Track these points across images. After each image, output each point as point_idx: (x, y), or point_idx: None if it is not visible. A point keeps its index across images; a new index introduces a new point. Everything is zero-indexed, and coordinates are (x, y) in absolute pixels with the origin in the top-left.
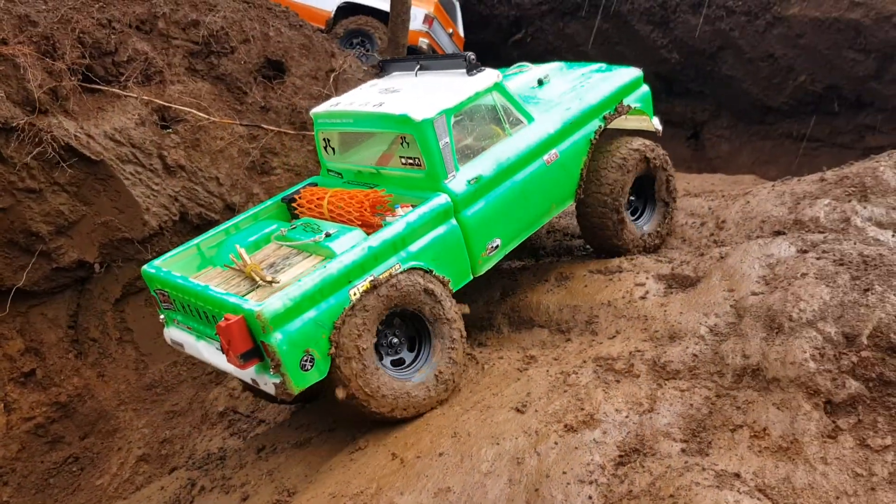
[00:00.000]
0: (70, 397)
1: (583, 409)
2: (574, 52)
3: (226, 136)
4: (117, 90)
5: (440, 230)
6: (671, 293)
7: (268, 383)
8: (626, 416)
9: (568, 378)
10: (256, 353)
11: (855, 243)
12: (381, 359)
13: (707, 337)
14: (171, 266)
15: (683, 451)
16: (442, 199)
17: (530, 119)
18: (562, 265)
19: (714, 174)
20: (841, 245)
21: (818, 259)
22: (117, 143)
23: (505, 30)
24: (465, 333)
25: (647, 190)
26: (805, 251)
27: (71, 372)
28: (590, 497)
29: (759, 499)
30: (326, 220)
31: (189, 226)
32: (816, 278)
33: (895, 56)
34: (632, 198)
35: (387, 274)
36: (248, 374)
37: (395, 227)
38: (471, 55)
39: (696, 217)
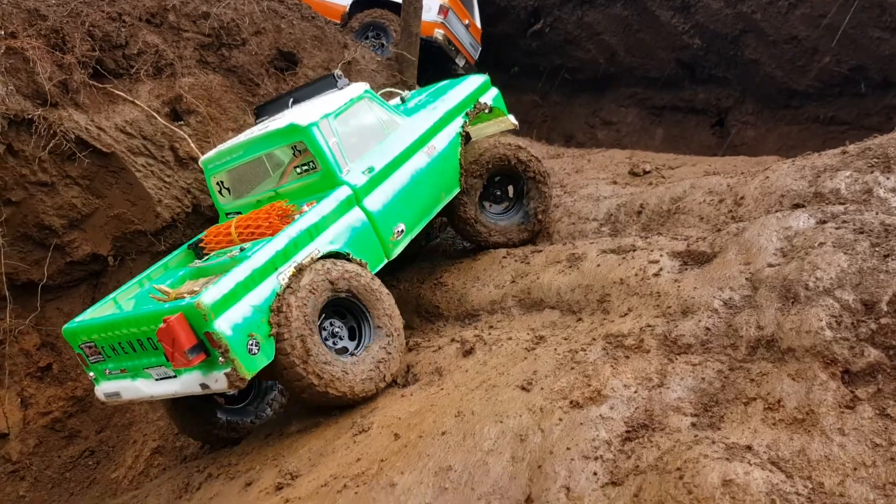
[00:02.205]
0: (86, 391)
1: (590, 386)
2: (594, 41)
3: (237, 128)
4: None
5: (348, 218)
6: (686, 269)
7: (218, 379)
8: (635, 392)
9: (576, 356)
10: (201, 347)
11: (877, 213)
12: (325, 342)
13: (721, 310)
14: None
15: (694, 425)
16: (343, 189)
17: (405, 119)
18: (575, 248)
19: (737, 157)
20: (862, 215)
21: (837, 229)
22: (129, 135)
23: (523, 20)
24: (397, 312)
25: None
26: (824, 222)
27: None
28: (594, 473)
29: (771, 471)
30: (237, 244)
31: (202, 217)
32: (834, 247)
33: None
34: (497, 191)
35: (309, 259)
36: (196, 379)
37: (307, 216)
38: (337, 72)
39: (714, 194)
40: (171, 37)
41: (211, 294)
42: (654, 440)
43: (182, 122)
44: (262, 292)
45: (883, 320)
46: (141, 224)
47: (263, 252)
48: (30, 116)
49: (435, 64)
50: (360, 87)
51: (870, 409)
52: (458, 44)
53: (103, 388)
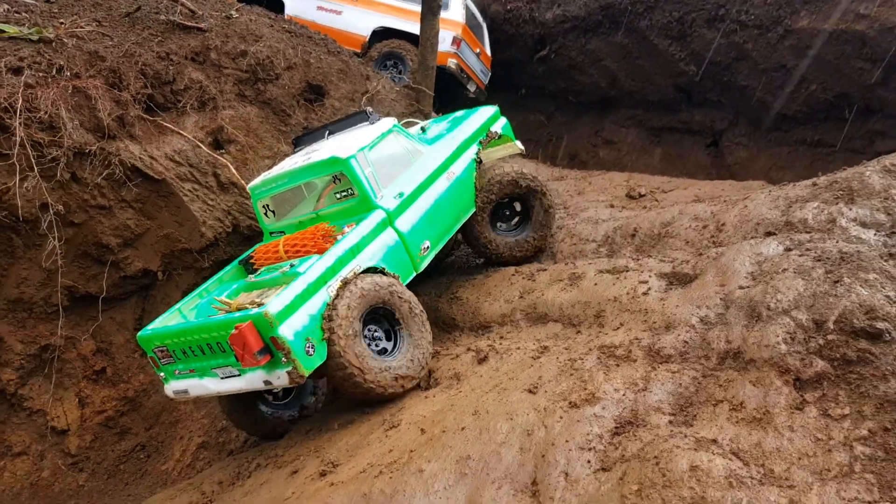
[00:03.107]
0: (136, 392)
1: (586, 389)
2: (596, 67)
3: (272, 155)
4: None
5: (383, 238)
6: (671, 289)
7: (280, 376)
8: (623, 395)
9: (575, 364)
10: (267, 350)
11: (837, 241)
12: (369, 346)
13: (697, 326)
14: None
15: (671, 422)
16: (379, 213)
17: (427, 148)
18: (576, 267)
19: (725, 181)
20: (824, 243)
21: (800, 256)
22: (177, 163)
23: (530, 47)
24: (426, 320)
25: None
26: (790, 249)
27: (137, 370)
28: (588, 461)
29: (730, 459)
30: (285, 261)
31: (240, 237)
32: (795, 273)
33: None
34: (506, 211)
35: (352, 274)
36: (260, 376)
37: (350, 237)
38: (369, 109)
39: (698, 220)
40: (213, 73)
41: (275, 305)
42: (638, 434)
43: (223, 151)
44: (315, 303)
45: (829, 336)
46: (187, 243)
47: (316, 268)
48: (91, 149)
49: (448, 88)
50: (389, 122)
51: (815, 410)
52: (470, 71)
53: (172, 387)
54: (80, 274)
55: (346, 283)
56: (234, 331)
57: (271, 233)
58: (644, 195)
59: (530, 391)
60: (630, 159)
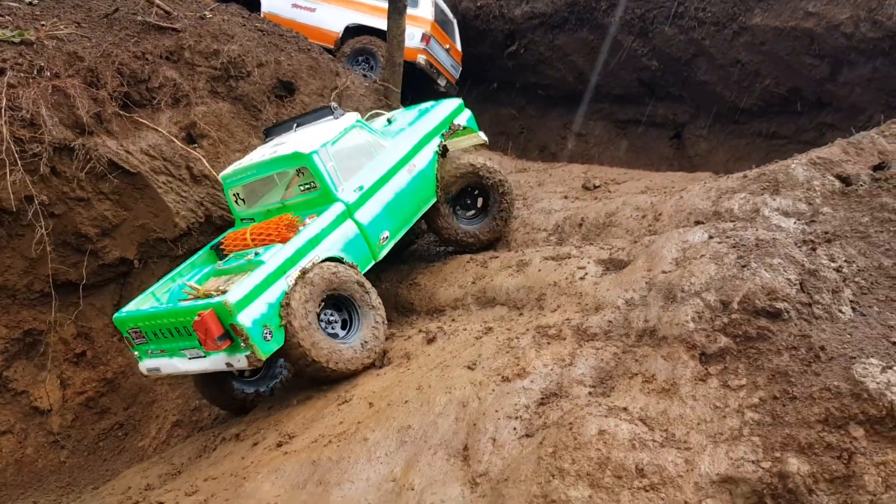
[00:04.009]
0: (115, 374)
1: (518, 365)
2: (563, 62)
3: (243, 149)
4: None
5: (342, 229)
6: (606, 274)
7: (240, 359)
8: (551, 370)
9: (511, 343)
10: (227, 335)
11: (757, 229)
12: (325, 331)
13: (622, 307)
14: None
15: (590, 393)
16: (338, 206)
17: (389, 142)
18: (524, 255)
19: (676, 173)
20: (745, 231)
21: (719, 243)
22: (152, 157)
23: (500, 43)
24: (381, 304)
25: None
26: (713, 237)
27: (115, 353)
28: (514, 428)
29: (636, 425)
30: (251, 248)
31: (213, 226)
32: (710, 258)
33: (845, 61)
34: (468, 201)
35: (311, 264)
36: (222, 359)
37: (310, 229)
38: (333, 104)
39: (640, 210)
40: (186, 71)
41: (235, 294)
42: (560, 405)
43: (196, 145)
44: (274, 292)
45: (734, 315)
46: (162, 232)
47: (275, 259)
48: (71, 144)
49: (419, 83)
50: (352, 118)
51: (716, 382)
52: (440, 66)
53: (146, 364)
54: (60, 262)
55: (304, 273)
56: (197, 317)
57: (242, 219)
58: (598, 186)
59: (469, 367)
60: (598, 151)
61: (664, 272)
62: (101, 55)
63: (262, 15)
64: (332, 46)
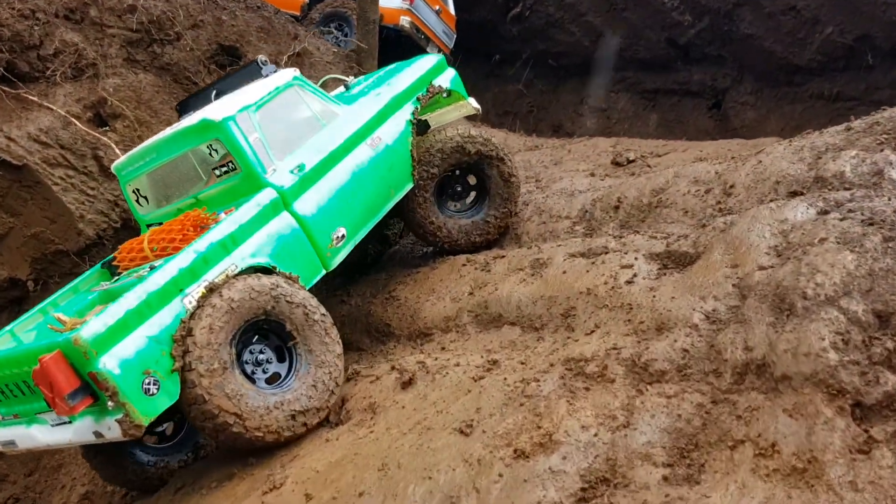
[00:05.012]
0: None
1: (539, 428)
2: (577, 23)
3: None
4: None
5: (274, 225)
6: (664, 275)
7: (111, 426)
8: (595, 435)
9: (528, 388)
10: (87, 389)
11: (889, 199)
12: (249, 378)
13: (702, 326)
14: None
15: (666, 479)
16: (266, 192)
17: (344, 108)
18: (541, 252)
19: (732, 140)
20: (871, 202)
21: (842, 220)
22: (44, 144)
23: (501, 5)
24: (335, 334)
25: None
26: (826, 212)
27: None
28: None
29: None
30: (151, 261)
31: (133, 233)
32: (838, 243)
33: None
34: (458, 187)
35: (223, 276)
36: (88, 427)
37: (221, 226)
38: (261, 57)
39: (700, 184)
40: (93, 34)
41: (93, 326)
42: (616, 501)
43: (107, 128)
44: (161, 320)
45: None
46: (62, 243)
47: (163, 272)
48: None
49: (404, 54)
50: (287, 74)
51: (890, 455)
52: (429, 31)
53: None
54: None
55: (211, 290)
56: (37, 365)
57: (148, 225)
58: (633, 160)
59: (462, 432)
60: (622, 128)
61: (762, 268)
62: None
63: None
64: (297, 14)
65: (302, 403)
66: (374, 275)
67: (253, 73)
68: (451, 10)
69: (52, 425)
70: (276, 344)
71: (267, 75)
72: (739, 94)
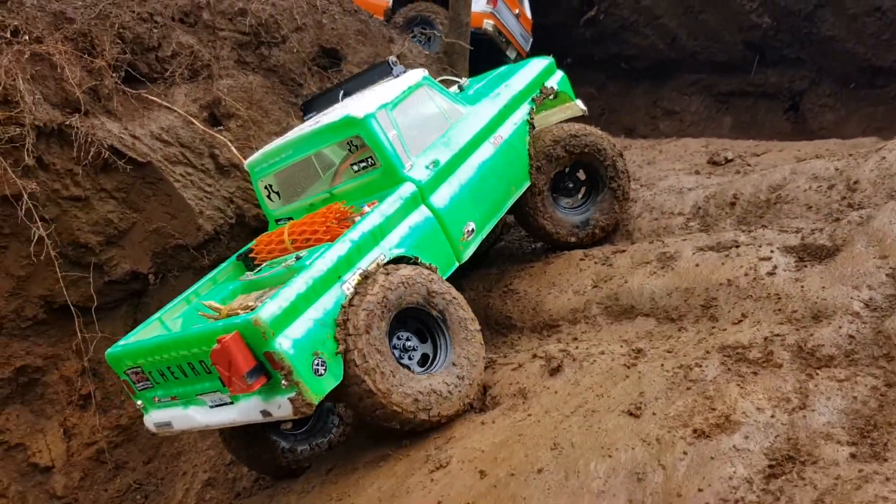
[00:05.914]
0: (132, 419)
1: (714, 410)
2: (653, 26)
3: (280, 131)
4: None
5: (414, 218)
6: (805, 266)
7: (281, 405)
8: (772, 416)
9: (690, 373)
10: (261, 370)
11: None
12: (399, 360)
13: (863, 313)
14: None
15: (853, 456)
16: (407, 186)
17: (467, 108)
18: (666, 246)
19: (828, 140)
20: None
21: None
22: (165, 143)
23: (575, 8)
24: (475, 321)
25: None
26: None
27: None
28: None
29: None
30: (291, 253)
31: (247, 229)
32: None
33: None
34: (569, 183)
35: (375, 265)
36: (256, 406)
37: (370, 218)
38: (392, 59)
39: (820, 180)
40: (206, 37)
41: (269, 308)
42: (807, 476)
43: (221, 128)
44: (325, 304)
45: None
46: (182, 238)
47: (324, 259)
48: (59, 126)
49: (485, 58)
50: (418, 74)
51: None
52: (509, 35)
53: (153, 418)
54: (55, 281)
55: (366, 278)
56: (216, 345)
57: (277, 220)
58: (731, 160)
59: (631, 414)
60: (695, 130)
61: None
62: (97, 16)
63: None
64: (381, 18)
65: (448, 389)
66: (485, 270)
67: (382, 73)
68: (528, 14)
69: (211, 406)
70: (417, 327)
71: (398, 75)
72: (817, 95)
